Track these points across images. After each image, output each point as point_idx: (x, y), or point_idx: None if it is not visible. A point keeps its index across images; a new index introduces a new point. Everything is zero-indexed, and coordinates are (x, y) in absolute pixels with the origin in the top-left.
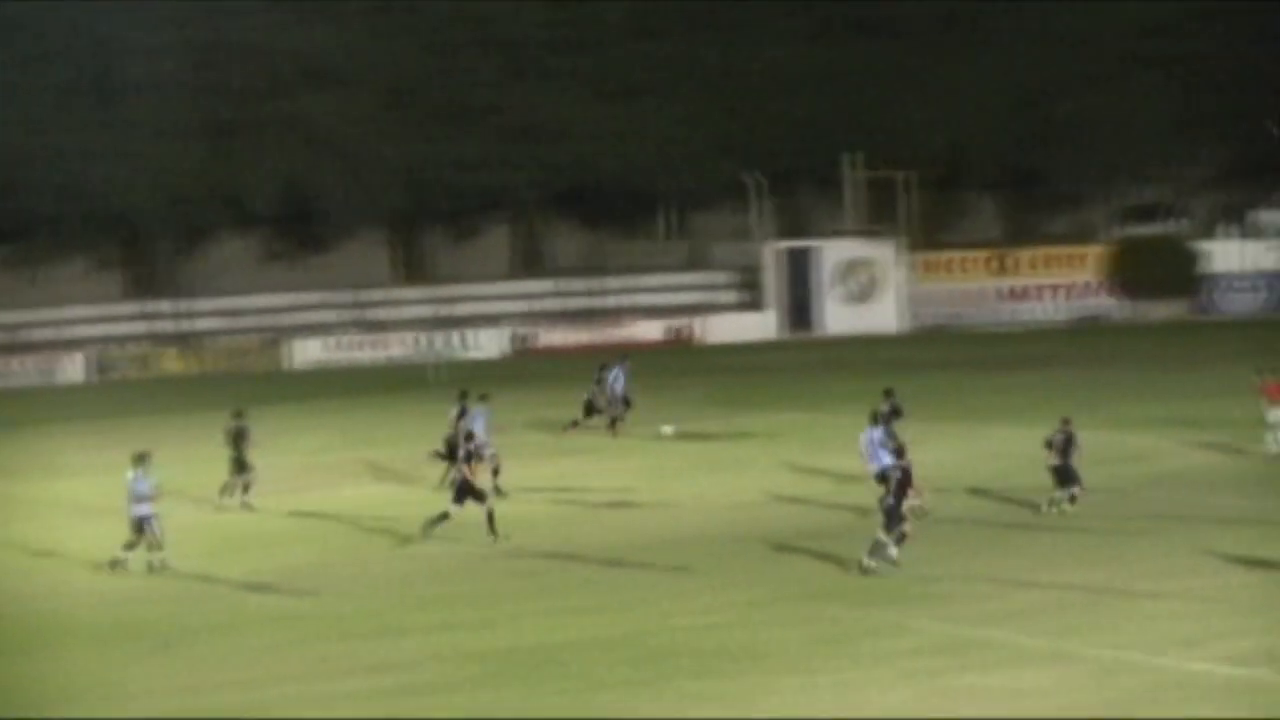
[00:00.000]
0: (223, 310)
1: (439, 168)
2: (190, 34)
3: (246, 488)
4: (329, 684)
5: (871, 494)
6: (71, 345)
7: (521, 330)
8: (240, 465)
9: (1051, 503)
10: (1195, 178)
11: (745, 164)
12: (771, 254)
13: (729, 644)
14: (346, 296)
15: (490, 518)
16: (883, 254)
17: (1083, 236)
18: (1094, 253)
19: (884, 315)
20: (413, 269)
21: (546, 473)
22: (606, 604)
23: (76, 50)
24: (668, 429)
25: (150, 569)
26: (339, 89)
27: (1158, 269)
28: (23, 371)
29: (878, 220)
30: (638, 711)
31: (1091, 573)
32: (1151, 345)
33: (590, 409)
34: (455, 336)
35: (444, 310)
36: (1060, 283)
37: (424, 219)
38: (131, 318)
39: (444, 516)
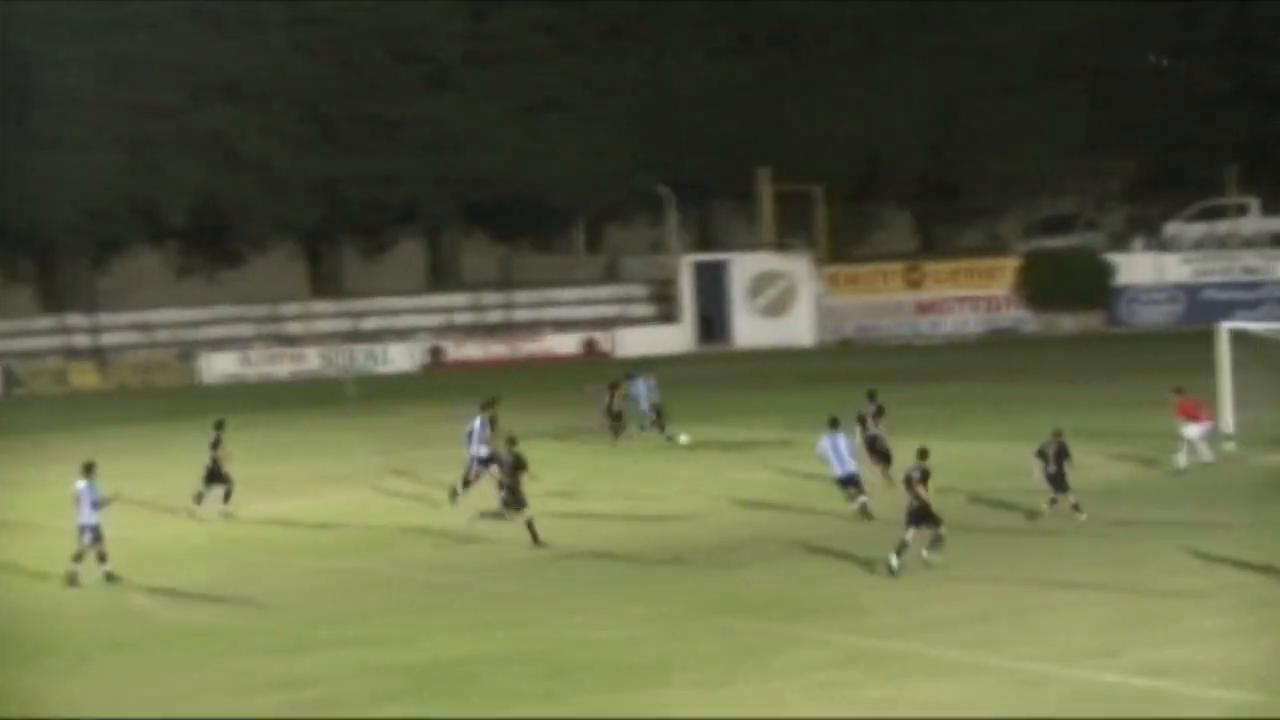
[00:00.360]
0: (136, 324)
1: (354, 182)
2: (106, 47)
3: (227, 496)
4: (247, 699)
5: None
6: None
7: (434, 344)
8: (216, 475)
9: (1053, 501)
10: (1107, 190)
11: (660, 178)
12: (685, 267)
13: (646, 657)
14: (260, 310)
15: (530, 524)
16: (796, 267)
17: (995, 249)
18: (1006, 265)
19: (797, 328)
20: (326, 283)
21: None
22: (524, 618)
23: None
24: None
25: (107, 579)
26: (254, 103)
27: (1070, 282)
28: None
29: (792, 233)
30: None
31: (1009, 584)
32: (1064, 358)
33: (616, 416)
34: (367, 351)
35: (357, 324)
36: (973, 295)
37: (338, 233)
38: (44, 332)
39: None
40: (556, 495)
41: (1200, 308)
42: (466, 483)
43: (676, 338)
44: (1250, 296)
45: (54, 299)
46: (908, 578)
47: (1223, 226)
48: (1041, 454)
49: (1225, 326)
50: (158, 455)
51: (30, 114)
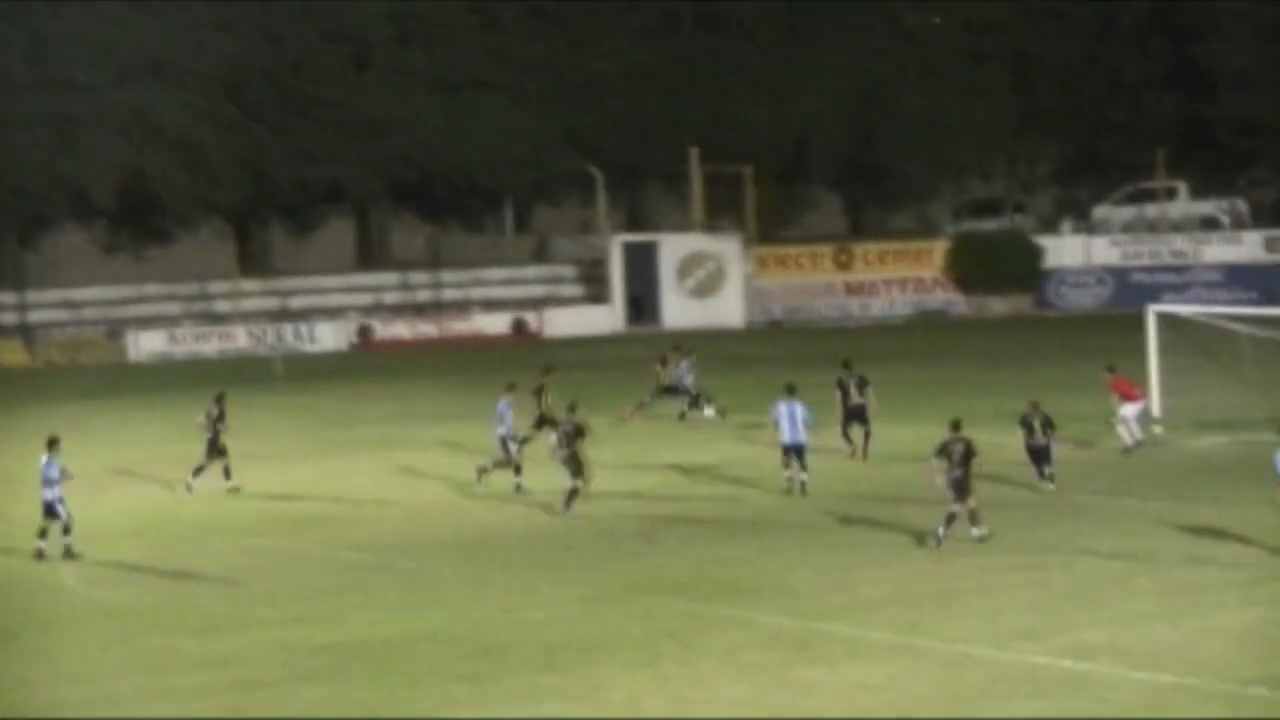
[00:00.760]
0: (63, 302)
1: (279, 161)
2: (32, 25)
3: (227, 472)
4: (172, 678)
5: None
6: None
7: (363, 323)
8: (216, 449)
9: (1050, 478)
10: (1036, 174)
11: (590, 158)
12: (615, 248)
13: (571, 637)
14: (189, 289)
15: (573, 495)
16: (725, 248)
17: (925, 232)
18: (936, 248)
19: (727, 310)
20: (255, 262)
21: (387, 466)
22: (449, 598)
23: None
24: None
25: (66, 554)
26: (179, 81)
27: (999, 264)
28: None
29: (721, 215)
30: (486, 703)
31: (938, 566)
32: (993, 340)
33: (669, 390)
34: (295, 330)
35: (285, 303)
36: (902, 278)
37: (266, 212)
38: None
39: (575, 492)
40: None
41: (1128, 291)
42: (515, 468)
43: (606, 318)
44: (1178, 280)
45: None
46: (830, 562)
47: (1151, 210)
48: (1027, 425)
49: (1153, 309)
50: (84, 433)
51: None
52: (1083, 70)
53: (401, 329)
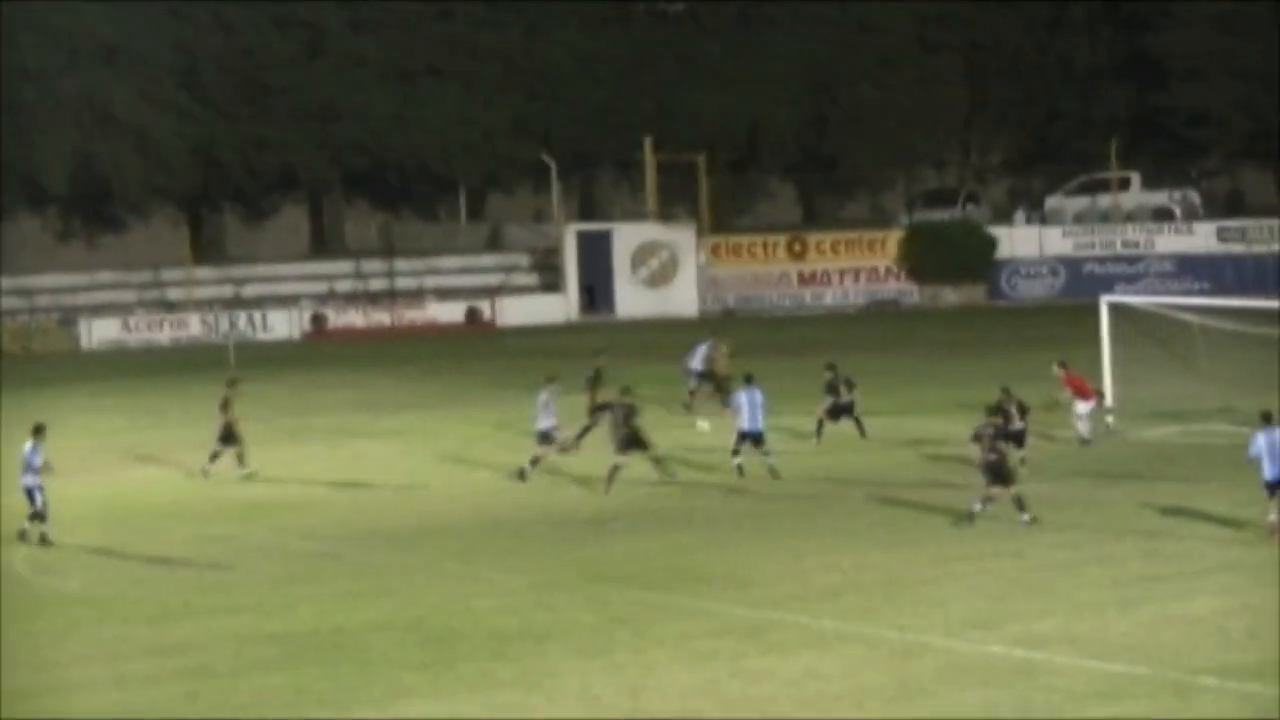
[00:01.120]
0: (16, 290)
1: (230, 147)
2: None
3: (241, 459)
4: (125, 665)
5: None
6: None
7: (316, 311)
8: (229, 435)
9: (1023, 461)
10: (989, 164)
11: (542, 147)
12: (568, 237)
13: (522, 626)
14: (142, 276)
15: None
16: (679, 237)
17: (878, 221)
18: (889, 238)
19: (681, 299)
20: (208, 249)
21: (340, 455)
22: (401, 586)
23: None
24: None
25: (41, 541)
26: (130, 67)
27: (952, 254)
28: None
29: (675, 204)
30: (438, 691)
31: (891, 555)
32: (946, 331)
33: (722, 380)
34: (249, 317)
35: (239, 291)
36: (855, 267)
37: (219, 199)
38: None
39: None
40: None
41: (1081, 281)
42: (532, 460)
43: (559, 307)
44: (1131, 270)
45: None
46: (782, 551)
47: (1104, 200)
48: (1002, 411)
49: (1106, 300)
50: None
51: None
52: (1035, 60)
53: (355, 317)
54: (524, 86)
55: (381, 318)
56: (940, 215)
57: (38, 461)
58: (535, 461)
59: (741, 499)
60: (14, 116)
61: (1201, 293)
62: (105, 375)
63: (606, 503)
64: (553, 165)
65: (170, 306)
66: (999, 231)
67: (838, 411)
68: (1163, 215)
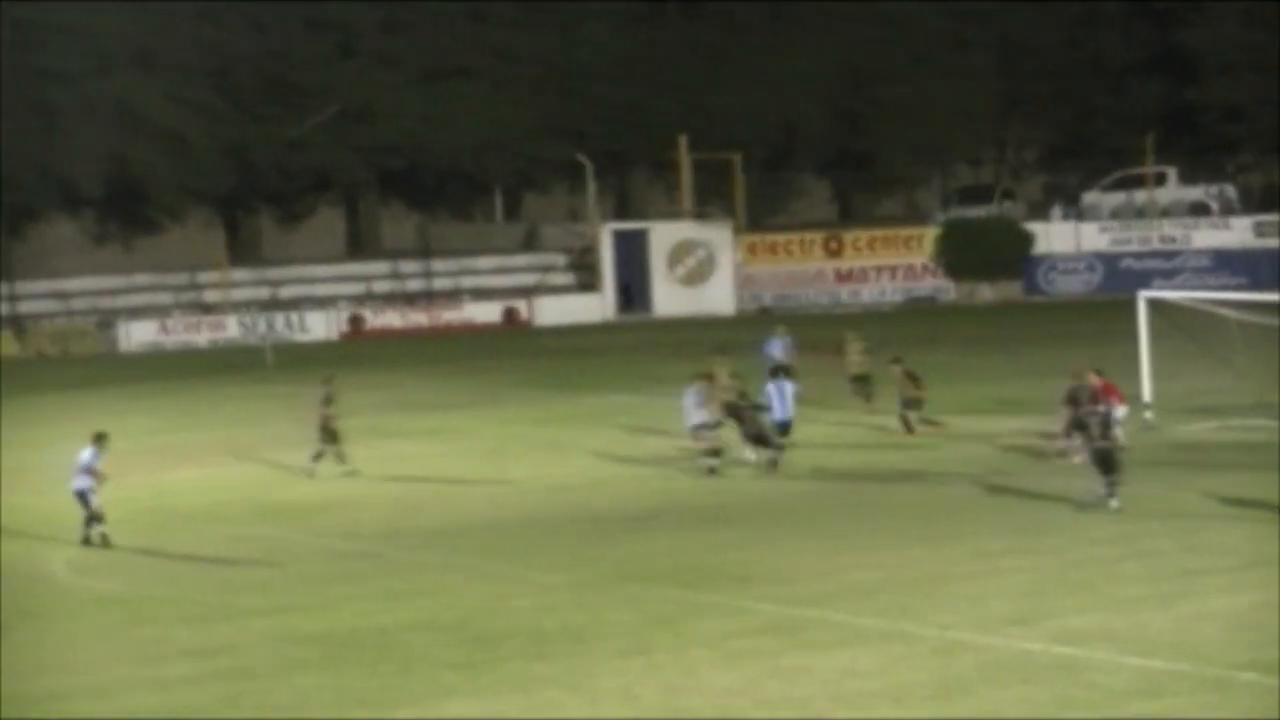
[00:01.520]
0: (53, 293)
1: (265, 149)
2: (16, 15)
3: (341, 457)
4: (164, 667)
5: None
6: None
7: (353, 312)
8: (330, 433)
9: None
10: (1024, 160)
11: (577, 146)
12: (604, 236)
13: (562, 625)
14: (179, 279)
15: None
16: (715, 236)
17: (914, 218)
18: (925, 234)
19: (717, 297)
20: (245, 251)
21: (378, 455)
22: (441, 586)
23: None
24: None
25: (103, 541)
26: (163, 70)
27: (988, 251)
28: None
29: (710, 202)
30: (478, 692)
31: (930, 551)
32: (982, 327)
33: (860, 380)
34: (286, 319)
35: (276, 293)
36: (892, 264)
37: (255, 201)
38: None
39: (774, 463)
40: (458, 466)
41: (1118, 277)
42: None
43: (596, 307)
44: (1168, 265)
45: None
46: (825, 545)
47: (1140, 195)
48: (1074, 399)
49: (1143, 295)
50: (73, 424)
51: None
52: (1068, 56)
53: (392, 318)
54: (557, 86)
55: (419, 318)
56: (976, 212)
57: (98, 464)
58: (712, 452)
59: (779, 496)
60: (48, 120)
61: (1238, 287)
62: (142, 377)
63: (644, 502)
64: (588, 165)
65: (207, 309)
66: (1035, 227)
67: (908, 404)
68: (1199, 210)
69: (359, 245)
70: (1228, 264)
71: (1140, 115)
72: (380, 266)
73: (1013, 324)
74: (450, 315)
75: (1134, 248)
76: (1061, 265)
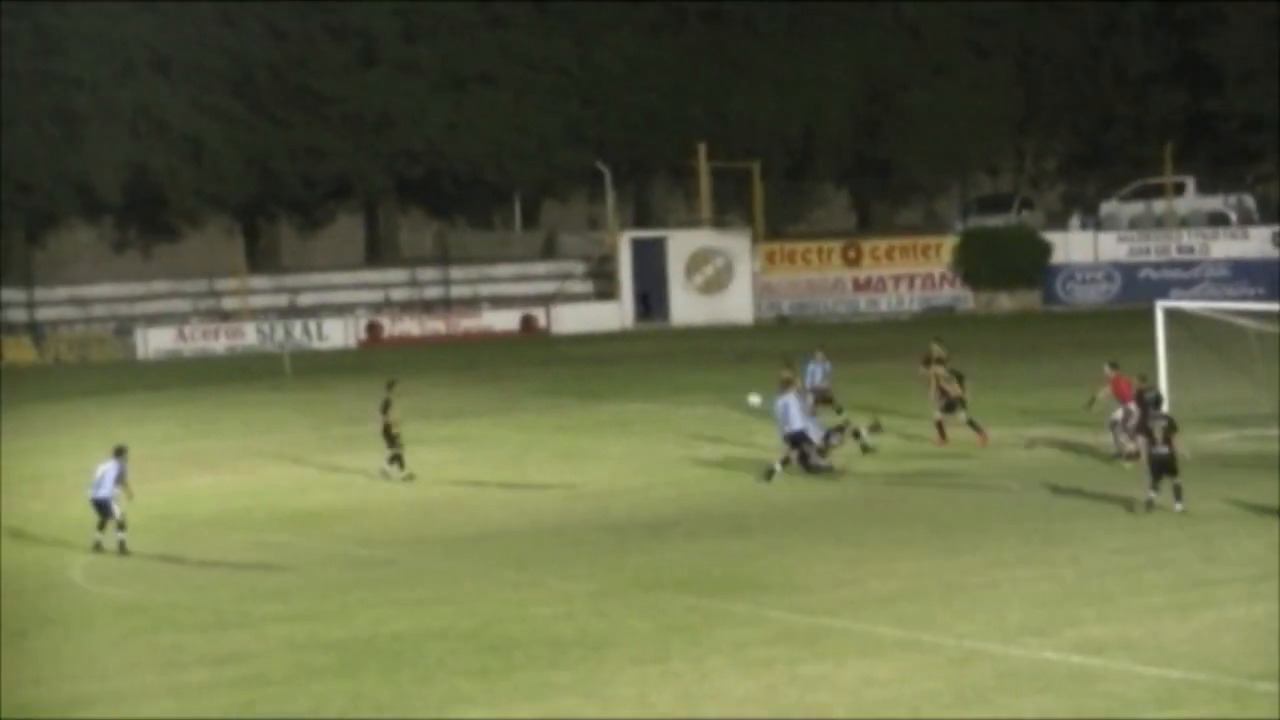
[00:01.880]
0: (72, 299)
1: (285, 156)
2: (37, 21)
3: (400, 462)
4: (181, 674)
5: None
6: None
7: (371, 320)
8: (390, 438)
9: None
10: (1043, 169)
11: (595, 154)
12: (623, 244)
13: (580, 633)
14: (197, 286)
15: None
16: (733, 244)
17: (933, 227)
18: (944, 244)
19: (736, 306)
20: (263, 258)
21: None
22: (458, 593)
23: None
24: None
25: (120, 549)
26: (183, 77)
27: (1007, 260)
28: None
29: (729, 210)
30: (495, 699)
31: (948, 561)
32: (1000, 336)
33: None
34: (304, 326)
35: (294, 300)
36: (910, 273)
37: (274, 208)
38: None
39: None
40: (475, 474)
41: (1136, 286)
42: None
43: (614, 315)
44: (1186, 275)
45: None
46: (843, 554)
47: (1159, 205)
48: (1140, 402)
49: (1161, 305)
50: (92, 431)
51: None
52: (1088, 65)
53: (410, 326)
54: (577, 93)
55: (437, 326)
56: (995, 221)
57: (122, 477)
58: (785, 462)
59: (797, 504)
60: (68, 126)
61: (1257, 297)
62: (161, 384)
63: (663, 510)
64: (606, 172)
65: (225, 316)
66: (1054, 237)
67: (949, 406)
68: (1218, 220)
69: (377, 253)
70: (1246, 274)
71: (1160, 125)
72: (399, 274)
73: (1031, 333)
74: (468, 323)
75: (1152, 258)
76: (1080, 275)
